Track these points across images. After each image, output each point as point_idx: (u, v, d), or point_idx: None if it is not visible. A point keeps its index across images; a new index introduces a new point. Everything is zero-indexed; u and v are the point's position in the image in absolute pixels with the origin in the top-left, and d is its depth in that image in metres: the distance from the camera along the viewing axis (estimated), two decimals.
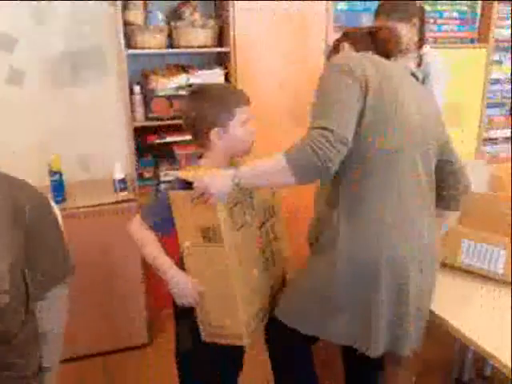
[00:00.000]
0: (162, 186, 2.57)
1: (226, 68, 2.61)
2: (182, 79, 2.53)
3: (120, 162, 2.51)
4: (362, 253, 1.47)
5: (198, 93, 1.63)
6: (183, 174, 1.60)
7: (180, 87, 2.53)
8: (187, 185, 1.52)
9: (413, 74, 1.59)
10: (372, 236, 1.46)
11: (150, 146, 2.70)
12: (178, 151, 2.61)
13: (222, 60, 2.70)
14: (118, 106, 2.71)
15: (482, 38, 3.09)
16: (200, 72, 2.57)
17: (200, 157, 1.70)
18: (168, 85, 2.50)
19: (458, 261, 1.91)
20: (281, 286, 1.81)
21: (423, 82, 2.21)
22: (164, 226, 1.60)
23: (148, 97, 2.48)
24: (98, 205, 2.40)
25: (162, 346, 2.64)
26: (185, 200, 1.50)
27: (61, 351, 1.72)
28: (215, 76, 2.58)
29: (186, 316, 1.67)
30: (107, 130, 2.75)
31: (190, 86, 2.52)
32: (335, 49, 1.70)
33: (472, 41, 3.09)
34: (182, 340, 1.79)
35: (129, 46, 2.48)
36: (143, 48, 2.47)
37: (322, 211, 1.58)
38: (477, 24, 3.08)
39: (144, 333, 2.63)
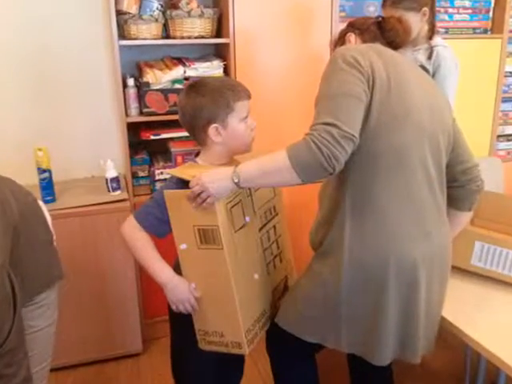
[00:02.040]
0: (157, 185, 2.58)
1: (224, 60, 2.60)
2: (178, 72, 2.52)
3: (112, 160, 2.51)
4: (369, 255, 1.47)
5: (195, 87, 1.62)
6: (179, 173, 1.61)
7: (176, 80, 2.52)
8: (183, 184, 1.53)
9: (423, 67, 1.60)
10: (380, 237, 1.46)
11: (144, 143, 2.69)
12: (174, 148, 2.61)
13: (220, 52, 2.69)
14: (111, 100, 2.71)
15: (496, 28, 3.05)
16: (197, 64, 2.56)
17: (197, 154, 1.71)
18: (163, 78, 2.49)
19: (470, 263, 1.91)
20: (283, 290, 1.81)
21: (433, 75, 2.22)
22: (159, 227, 1.59)
23: (142, 90, 2.48)
24: (90, 205, 2.40)
25: (156, 355, 2.65)
26: (181, 199, 1.50)
27: (50, 359, 1.71)
28: (214, 69, 2.57)
29: (181, 322, 1.67)
30: (99, 125, 2.76)
31: (187, 79, 2.52)
32: (340, 39, 1.71)
33: (485, 31, 3.06)
34: (178, 347, 1.80)
35: (122, 36, 2.47)
36: (137, 39, 2.45)
37: (326, 214, 1.59)
38: (490, 13, 3.04)
39: (138, 341, 2.64)
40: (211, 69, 2.57)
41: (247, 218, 1.63)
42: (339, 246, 1.50)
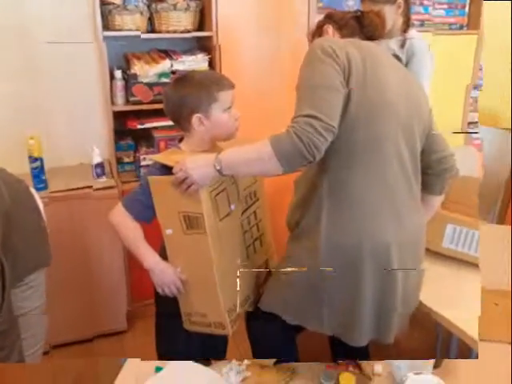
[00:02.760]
0: (142, 171, 2.58)
1: (209, 53, 2.61)
2: (165, 65, 2.54)
3: (98, 147, 2.52)
4: (344, 238, 1.51)
5: (181, 80, 1.67)
6: (162, 158, 1.65)
7: (163, 74, 2.53)
8: (166, 170, 1.57)
9: (396, 56, 1.63)
10: (355, 221, 1.51)
11: (129, 132, 2.69)
12: (157, 134, 2.63)
13: (204, 45, 2.72)
14: (98, 90, 2.68)
15: (472, 24, 3.06)
16: (184, 57, 2.58)
17: (181, 140, 1.75)
18: (150, 71, 2.50)
19: (442, 245, 1.96)
20: (265, 274, 1.85)
21: (406, 64, 2.23)
22: (146, 213, 1.64)
23: (130, 83, 2.48)
24: (76, 189, 2.43)
25: (140, 334, 2.71)
26: (166, 185, 1.53)
27: (43, 342, 1.76)
28: (198, 62, 2.59)
29: (167, 306, 1.72)
30: (87, 113, 2.72)
31: (174, 72, 2.55)
32: (318, 31, 1.73)
33: (461, 27, 3.07)
34: (163, 331, 1.86)
35: (106, 27, 2.48)
36: (121, 30, 2.46)
37: (303, 196, 1.64)
38: (467, 9, 3.06)
39: (123, 320, 2.71)
40: (196, 62, 2.59)
41: (232, 206, 1.67)
42: (316, 229, 1.54)
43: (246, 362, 1.44)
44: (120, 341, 2.68)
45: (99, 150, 2.51)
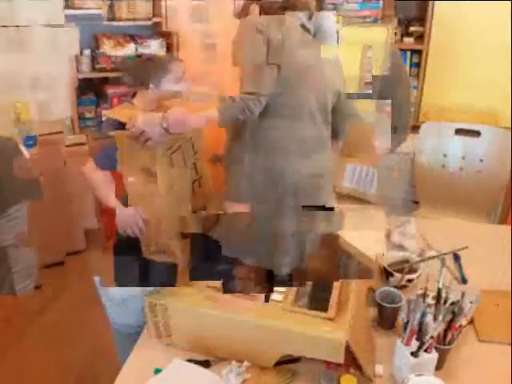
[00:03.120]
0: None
1: (167, 39, 2.83)
2: (130, 49, 2.74)
3: (65, 106, 2.67)
4: (262, 178, 1.70)
5: (141, 57, 1.96)
6: (115, 114, 1.76)
7: (130, 57, 2.72)
8: (120, 125, 1.68)
9: (303, 26, 1.76)
10: (271, 163, 1.71)
11: (92, 86, 2.88)
12: (110, 90, 2.77)
13: (162, 31, 2.92)
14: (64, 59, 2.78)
15: (386, 18, 3.05)
16: (150, 42, 2.79)
17: (133, 95, 1.89)
18: (117, 53, 2.71)
19: (342, 185, 2.14)
20: (213, 218, 1.89)
21: (314, 35, 2.17)
22: (112, 164, 1.74)
23: (97, 58, 2.68)
24: (50, 134, 2.60)
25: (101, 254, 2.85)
26: (128, 140, 1.64)
27: (34, 277, 1.90)
28: (158, 47, 2.84)
29: (126, 246, 1.86)
30: (58, 80, 2.75)
31: (140, 56, 2.60)
32: (245, 9, 1.78)
33: (376, 20, 3.02)
34: (121, 262, 1.90)
35: (67, 6, 2.64)
36: (81, 8, 2.61)
37: (231, 138, 1.81)
38: (380, 2, 2.98)
39: (82, 240, 2.99)
40: (157, 47, 2.84)
41: (188, 164, 1.82)
42: (241, 167, 1.73)
43: (245, 363, 1.43)
44: (82, 258, 2.88)
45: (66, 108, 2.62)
